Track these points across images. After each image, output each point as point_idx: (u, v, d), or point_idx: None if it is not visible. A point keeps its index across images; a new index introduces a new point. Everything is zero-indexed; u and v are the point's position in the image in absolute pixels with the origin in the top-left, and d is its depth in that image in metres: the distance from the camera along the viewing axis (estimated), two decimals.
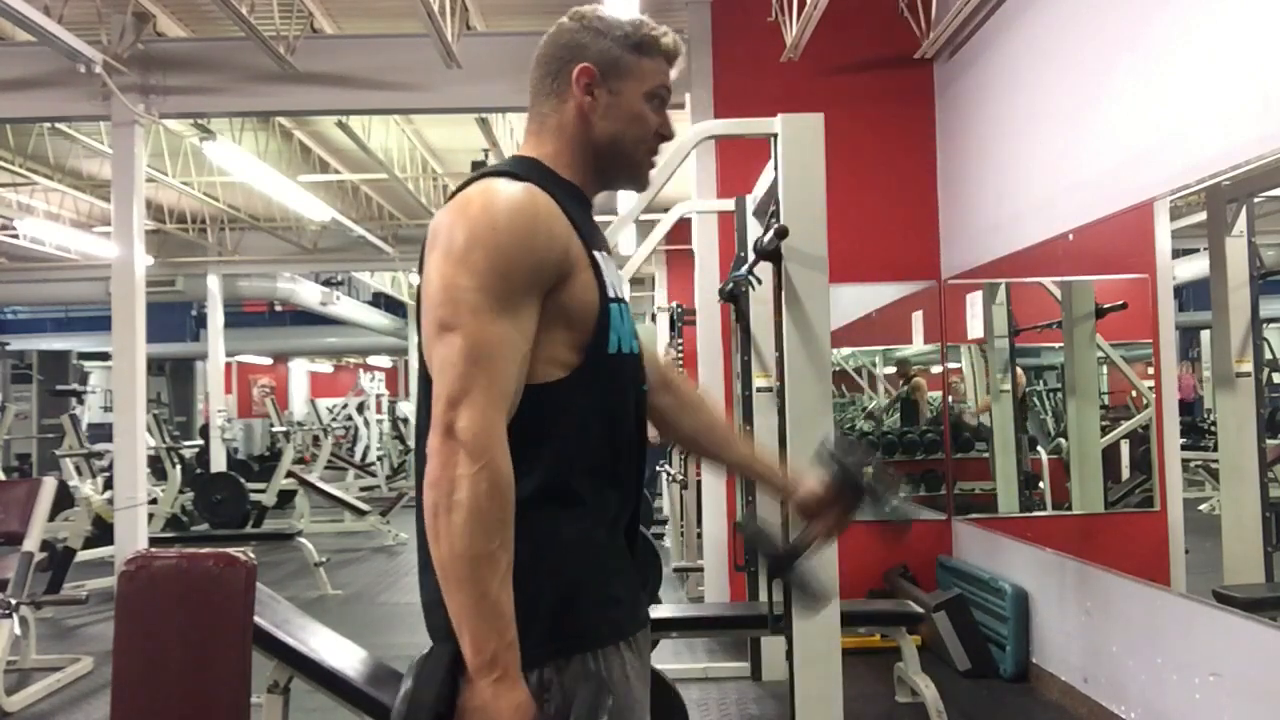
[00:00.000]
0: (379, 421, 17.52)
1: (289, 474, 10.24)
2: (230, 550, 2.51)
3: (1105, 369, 4.75)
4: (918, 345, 6.12)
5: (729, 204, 4.77)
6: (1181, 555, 3.43)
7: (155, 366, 17.73)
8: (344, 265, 13.47)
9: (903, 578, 5.38)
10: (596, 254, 1.33)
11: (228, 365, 16.21)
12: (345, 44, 6.13)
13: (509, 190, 1.28)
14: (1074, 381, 4.53)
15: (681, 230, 6.61)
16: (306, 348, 20.85)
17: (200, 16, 6.30)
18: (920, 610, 4.19)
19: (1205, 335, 4.36)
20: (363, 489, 13.35)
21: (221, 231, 11.56)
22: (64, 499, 6.82)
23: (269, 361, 22.99)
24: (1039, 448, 5.32)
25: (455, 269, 1.23)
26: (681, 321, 7.77)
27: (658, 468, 8.33)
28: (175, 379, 19.63)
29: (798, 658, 3.27)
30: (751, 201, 4.40)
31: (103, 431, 9.21)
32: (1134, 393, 4.68)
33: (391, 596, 7.23)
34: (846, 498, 1.49)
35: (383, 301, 18.45)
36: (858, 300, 6.04)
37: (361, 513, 9.66)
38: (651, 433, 1.49)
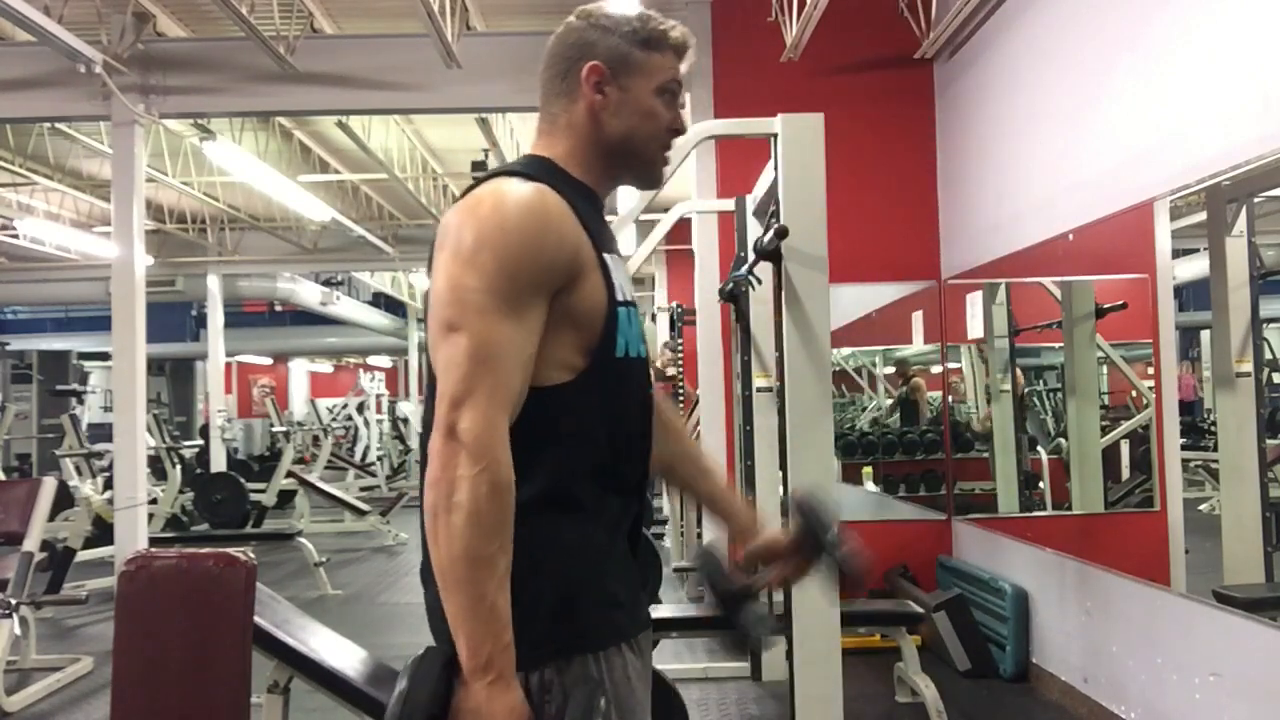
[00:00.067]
0: (379, 421, 17.50)
1: (289, 474, 10.23)
2: (230, 550, 2.51)
3: (1105, 369, 4.74)
4: (918, 345, 6.12)
5: (729, 204, 4.77)
6: (1181, 555, 3.43)
7: (155, 366, 17.73)
8: (344, 265, 13.48)
9: (903, 578, 5.38)
10: (606, 256, 1.32)
11: (228, 365, 16.22)
12: (345, 44, 6.13)
13: (519, 191, 1.27)
14: (1074, 381, 4.53)
15: (681, 230, 6.61)
16: (306, 348, 20.86)
17: (200, 16, 6.31)
18: (920, 610, 4.19)
19: (1205, 335, 4.35)
20: (363, 489, 13.33)
21: (221, 231, 11.56)
22: (64, 499, 6.82)
23: (269, 361, 22.99)
24: (1039, 448, 5.31)
25: (463, 269, 1.22)
26: (681, 321, 7.78)
27: None
28: (175, 379, 19.63)
29: (798, 658, 3.27)
30: (751, 201, 4.40)
31: (103, 431, 9.21)
32: (1134, 393, 4.67)
33: (391, 596, 7.23)
34: (808, 552, 1.50)
35: (383, 301, 18.46)
36: (858, 300, 6.05)
37: (361, 513, 9.65)
38: None
